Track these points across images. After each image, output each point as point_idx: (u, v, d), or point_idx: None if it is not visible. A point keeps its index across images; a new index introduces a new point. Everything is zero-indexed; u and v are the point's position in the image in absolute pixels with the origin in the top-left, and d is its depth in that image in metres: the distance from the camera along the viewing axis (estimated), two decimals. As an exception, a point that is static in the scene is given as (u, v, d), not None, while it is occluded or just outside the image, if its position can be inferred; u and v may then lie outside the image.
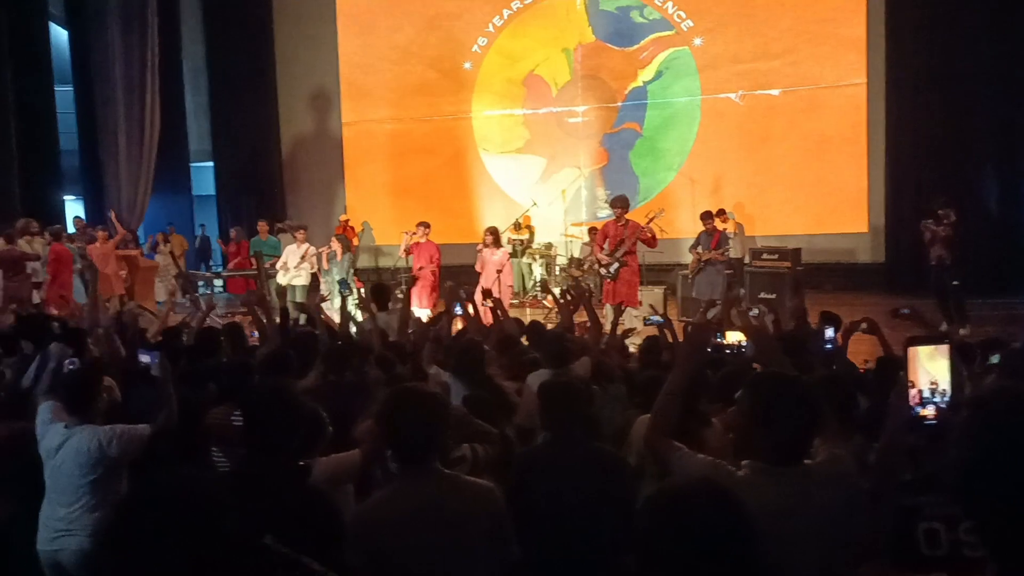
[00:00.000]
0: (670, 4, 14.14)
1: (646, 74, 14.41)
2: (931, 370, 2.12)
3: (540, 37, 14.85)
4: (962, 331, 9.04)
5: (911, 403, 2.10)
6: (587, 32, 14.60)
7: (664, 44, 14.26)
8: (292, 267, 10.94)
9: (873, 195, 13.51)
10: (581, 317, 5.73)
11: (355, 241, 10.79)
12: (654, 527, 1.58)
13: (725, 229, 11.79)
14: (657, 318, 5.47)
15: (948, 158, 12.60)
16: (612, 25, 14.48)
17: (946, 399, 2.10)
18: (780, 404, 2.11)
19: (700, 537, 1.53)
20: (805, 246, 11.37)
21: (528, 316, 10.29)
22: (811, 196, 13.68)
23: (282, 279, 10.97)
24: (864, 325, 4.50)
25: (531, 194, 14.09)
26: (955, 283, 9.43)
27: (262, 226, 12.46)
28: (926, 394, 2.11)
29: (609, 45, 14.52)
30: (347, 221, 14.36)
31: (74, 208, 15.21)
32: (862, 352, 5.20)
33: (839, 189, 13.60)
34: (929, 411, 2.09)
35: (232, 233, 13.59)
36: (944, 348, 2.12)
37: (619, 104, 14.56)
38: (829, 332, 4.83)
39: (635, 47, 14.41)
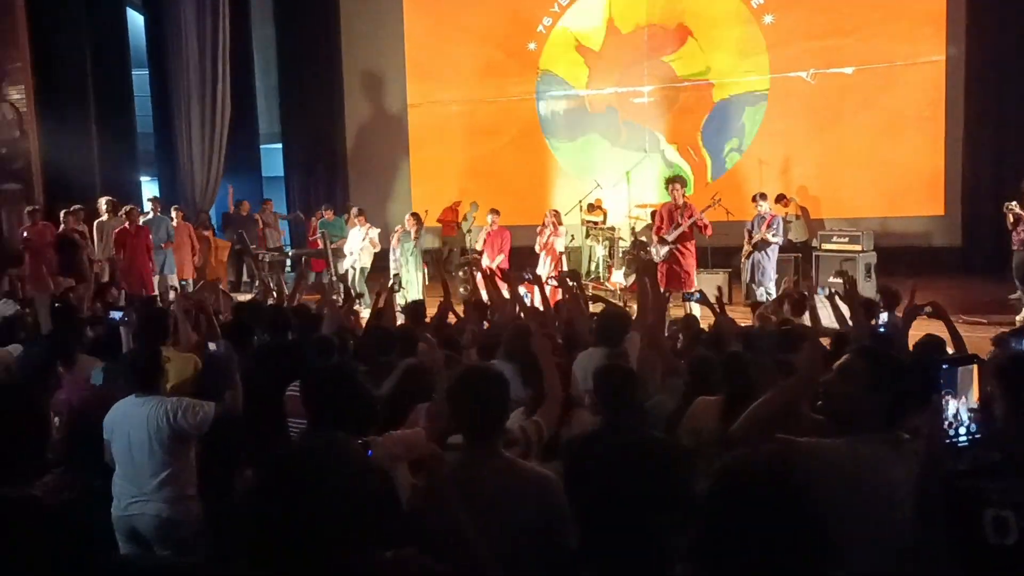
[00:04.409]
0: (740, -20, 13.84)
1: (714, 52, 14.13)
2: (964, 392, 2.11)
3: (605, 16, 14.69)
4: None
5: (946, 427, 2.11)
6: (653, 11, 14.38)
7: (733, 21, 13.97)
8: (356, 250, 11.14)
9: (950, 176, 13.03)
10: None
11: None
12: (718, 500, 1.58)
13: (787, 213, 11.53)
14: (696, 294, 5.41)
15: (1030, 138, 12.07)
16: (679, 4, 14.22)
17: (972, 425, 2.11)
18: (898, 371, 2.22)
19: (762, 510, 1.53)
20: (878, 229, 11.06)
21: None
22: (885, 177, 13.26)
23: (346, 262, 11.19)
24: (928, 309, 4.32)
25: (595, 175, 13.99)
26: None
27: (328, 214, 12.83)
28: (960, 417, 2.11)
29: (675, 24, 14.28)
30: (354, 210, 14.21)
31: (150, 189, 15.70)
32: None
33: (914, 170, 13.16)
34: (962, 434, 2.11)
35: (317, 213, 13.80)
36: (974, 368, 2.11)
37: (685, 84, 14.33)
38: (883, 316, 4.71)
39: (704, 26, 14.14)
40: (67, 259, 10.48)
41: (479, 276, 6.08)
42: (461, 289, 11.67)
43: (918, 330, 4.38)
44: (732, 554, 1.52)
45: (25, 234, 10.59)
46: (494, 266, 10.29)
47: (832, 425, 2.33)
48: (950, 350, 4.01)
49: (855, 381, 2.23)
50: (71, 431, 3.72)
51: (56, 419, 3.83)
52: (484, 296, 6.23)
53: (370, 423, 2.86)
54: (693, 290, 6.16)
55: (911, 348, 4.17)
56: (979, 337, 5.39)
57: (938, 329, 4.35)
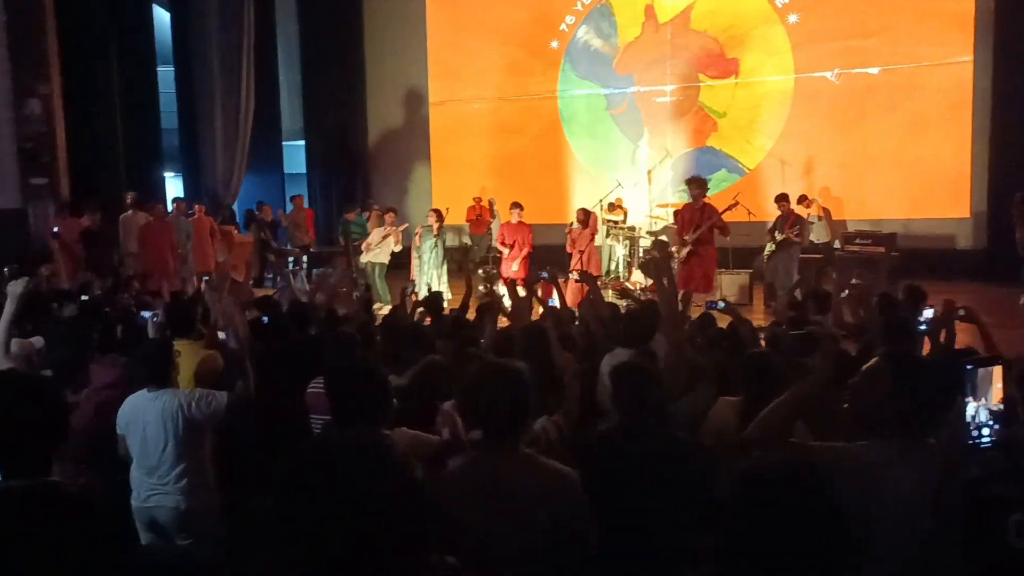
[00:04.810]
0: (764, -20, 13.76)
1: (737, 52, 14.06)
2: (986, 393, 2.10)
3: (628, 15, 14.65)
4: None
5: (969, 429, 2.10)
6: (676, 11, 14.32)
7: (757, 21, 13.88)
8: (375, 245, 11.18)
9: (976, 178, 12.88)
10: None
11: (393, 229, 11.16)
12: (743, 503, 1.58)
13: (809, 214, 11.45)
14: (721, 303, 5.36)
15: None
16: (702, 3, 14.16)
17: (997, 425, 2.09)
18: (921, 377, 2.19)
19: (786, 514, 1.53)
20: (901, 231, 10.96)
21: (608, 298, 10.25)
22: (909, 179, 13.14)
23: (364, 258, 11.23)
24: (962, 312, 4.29)
25: (616, 174, 13.96)
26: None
27: (351, 216, 12.93)
28: (982, 418, 2.10)
29: (699, 23, 14.21)
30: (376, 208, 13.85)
31: (174, 184, 15.84)
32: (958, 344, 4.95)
33: (939, 172, 13.03)
34: (985, 435, 2.09)
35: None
36: (997, 370, 2.09)
37: (708, 83, 14.26)
38: (928, 312, 4.66)
39: (727, 25, 14.07)
40: (92, 254, 10.64)
41: (502, 286, 6.08)
42: (481, 287, 11.70)
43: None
44: (757, 557, 1.52)
45: (56, 229, 10.74)
46: (515, 267, 10.29)
47: (857, 428, 2.33)
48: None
49: (878, 385, 2.23)
50: (96, 427, 3.75)
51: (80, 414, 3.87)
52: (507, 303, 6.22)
53: (389, 417, 2.89)
54: (718, 299, 6.12)
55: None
56: (1003, 341, 5.33)
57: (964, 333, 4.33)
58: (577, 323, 5.58)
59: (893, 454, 2.15)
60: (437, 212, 11.03)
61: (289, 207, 14.34)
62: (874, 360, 2.32)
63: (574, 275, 8.08)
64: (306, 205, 15.75)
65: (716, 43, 14.14)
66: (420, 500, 1.64)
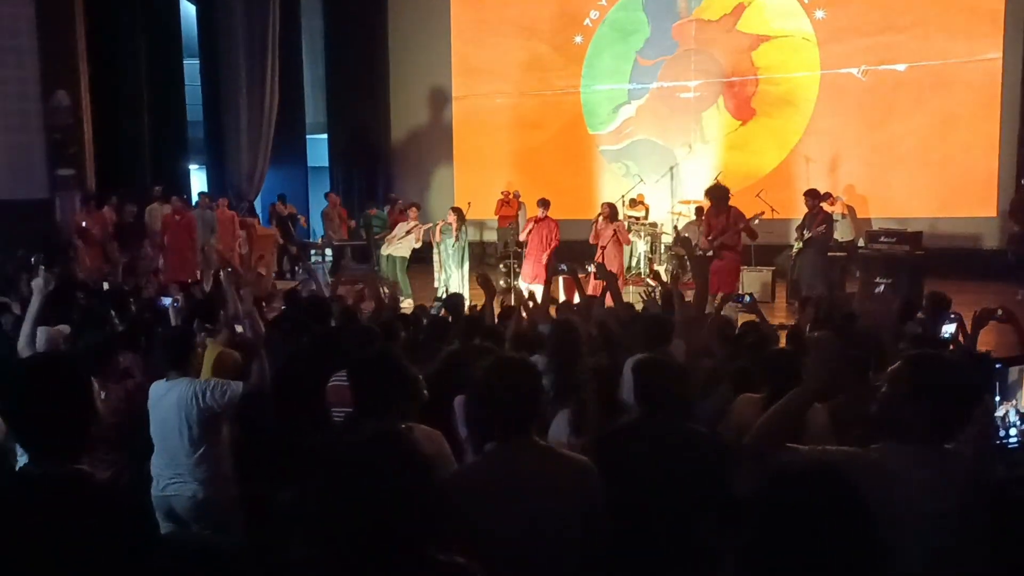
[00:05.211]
0: (791, -25, 13.63)
1: (762, 48, 13.94)
2: (1016, 393, 2.06)
3: (652, 10, 14.56)
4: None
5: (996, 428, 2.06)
6: (701, 5, 14.21)
7: (783, 17, 13.76)
8: (398, 239, 11.20)
9: (1004, 177, 12.69)
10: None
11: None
12: (768, 504, 1.57)
13: (834, 212, 11.33)
14: (746, 297, 5.33)
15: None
16: (728, -3, 14.07)
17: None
18: (943, 380, 2.13)
19: (814, 520, 1.51)
20: (927, 230, 10.81)
21: (631, 294, 10.21)
22: (936, 177, 12.98)
23: (385, 250, 11.27)
24: (1000, 312, 4.26)
25: (639, 170, 13.89)
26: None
27: (373, 211, 12.99)
28: (1012, 419, 2.06)
29: (723, 18, 14.11)
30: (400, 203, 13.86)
31: (198, 177, 15.97)
32: (988, 343, 4.89)
33: (967, 170, 12.86)
34: (1013, 435, 2.06)
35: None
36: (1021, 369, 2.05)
37: (732, 79, 14.15)
38: (949, 327, 4.63)
39: (753, 20, 13.95)
40: (123, 246, 10.80)
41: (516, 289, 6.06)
42: (501, 282, 11.69)
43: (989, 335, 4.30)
44: (782, 559, 1.51)
45: (84, 224, 10.86)
46: (544, 259, 10.24)
47: (875, 432, 2.30)
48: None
49: (897, 388, 2.19)
50: (127, 410, 3.79)
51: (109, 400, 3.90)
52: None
53: (410, 409, 2.88)
54: (743, 293, 6.09)
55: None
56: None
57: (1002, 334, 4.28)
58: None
59: (908, 459, 2.11)
60: (457, 210, 10.96)
61: (323, 203, 14.37)
62: (898, 362, 2.29)
63: (591, 268, 8.02)
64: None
65: (741, 38, 14.03)
66: (432, 494, 1.64)
